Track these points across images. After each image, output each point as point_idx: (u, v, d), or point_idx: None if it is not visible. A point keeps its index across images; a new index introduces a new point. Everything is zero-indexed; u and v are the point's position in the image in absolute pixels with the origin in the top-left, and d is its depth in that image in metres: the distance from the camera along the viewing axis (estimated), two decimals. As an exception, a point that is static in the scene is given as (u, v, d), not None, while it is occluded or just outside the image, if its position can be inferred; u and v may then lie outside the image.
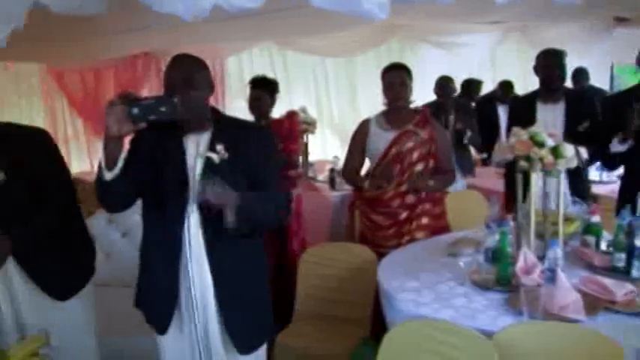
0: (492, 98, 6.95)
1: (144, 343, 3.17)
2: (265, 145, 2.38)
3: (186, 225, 2.26)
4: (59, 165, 2.74)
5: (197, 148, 2.28)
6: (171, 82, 2.21)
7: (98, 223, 4.23)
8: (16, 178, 2.54)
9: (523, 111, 4.01)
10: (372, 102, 6.83)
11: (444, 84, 6.02)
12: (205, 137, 2.29)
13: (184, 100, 2.11)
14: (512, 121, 4.11)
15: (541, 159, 2.80)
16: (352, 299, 3.36)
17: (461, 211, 4.18)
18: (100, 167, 2.16)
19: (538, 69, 4.00)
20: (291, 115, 4.61)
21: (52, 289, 2.67)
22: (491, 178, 5.66)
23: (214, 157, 2.25)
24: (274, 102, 4.48)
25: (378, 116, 3.72)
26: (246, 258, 2.36)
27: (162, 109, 2.02)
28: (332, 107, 7.58)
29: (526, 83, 6.72)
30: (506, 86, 6.97)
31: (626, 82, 6.72)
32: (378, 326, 3.08)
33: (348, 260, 3.46)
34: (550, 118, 3.85)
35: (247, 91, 4.47)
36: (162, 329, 2.38)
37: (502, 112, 6.59)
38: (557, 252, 2.52)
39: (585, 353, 2.12)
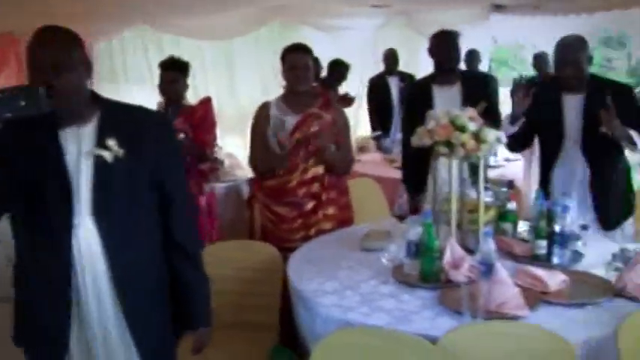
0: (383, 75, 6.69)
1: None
2: (169, 137, 2.00)
3: (74, 243, 1.80)
4: None
5: (79, 145, 1.82)
6: (36, 64, 1.73)
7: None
8: None
9: (420, 96, 3.85)
10: (252, 87, 6.53)
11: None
12: (89, 130, 1.82)
13: (55, 87, 1.65)
14: (410, 107, 3.96)
15: (463, 144, 2.63)
16: (257, 303, 2.99)
17: (359, 201, 3.96)
18: None
19: (432, 51, 3.86)
20: (205, 101, 4.20)
21: None
22: (381, 165, 5.50)
23: (106, 154, 1.80)
24: (187, 84, 4.12)
25: (277, 100, 3.43)
26: (151, 275, 1.97)
27: (22, 103, 1.60)
28: (209, 93, 7.13)
29: (410, 68, 6.63)
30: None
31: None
32: (289, 331, 2.81)
33: (249, 259, 3.09)
34: (447, 101, 3.70)
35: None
36: None
37: None
38: (490, 244, 2.35)
39: (540, 354, 1.97)
